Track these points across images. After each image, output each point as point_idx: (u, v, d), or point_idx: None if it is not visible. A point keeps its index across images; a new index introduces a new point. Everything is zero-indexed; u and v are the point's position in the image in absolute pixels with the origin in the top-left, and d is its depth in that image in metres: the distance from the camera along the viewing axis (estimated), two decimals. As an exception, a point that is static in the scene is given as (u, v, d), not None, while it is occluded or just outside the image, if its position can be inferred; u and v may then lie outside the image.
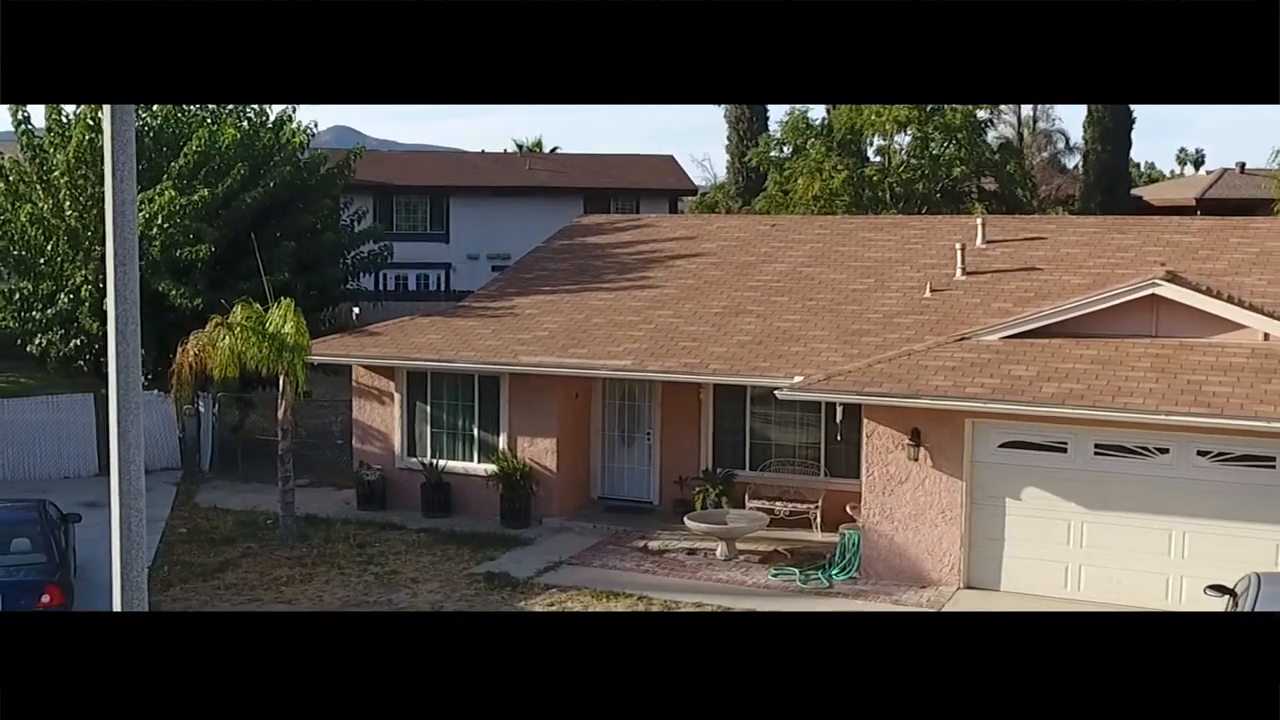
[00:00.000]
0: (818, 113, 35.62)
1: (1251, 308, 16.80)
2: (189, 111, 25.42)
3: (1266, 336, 16.11)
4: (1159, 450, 15.86)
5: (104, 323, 23.55)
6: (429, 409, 21.29)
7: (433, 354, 20.54)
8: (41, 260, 24.30)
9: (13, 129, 25.38)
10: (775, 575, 17.52)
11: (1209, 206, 50.06)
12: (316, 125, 28.05)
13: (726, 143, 45.15)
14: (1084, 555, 16.30)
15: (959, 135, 32.80)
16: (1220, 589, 13.35)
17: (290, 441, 19.68)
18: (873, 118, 33.12)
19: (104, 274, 23.53)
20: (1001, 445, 16.60)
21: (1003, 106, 43.96)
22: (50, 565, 14.80)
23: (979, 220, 22.50)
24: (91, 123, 24.07)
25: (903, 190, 33.08)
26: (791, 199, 33.32)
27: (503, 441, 20.59)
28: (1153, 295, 16.48)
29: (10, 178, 24.80)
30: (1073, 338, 16.84)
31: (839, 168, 32.84)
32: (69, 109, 25.46)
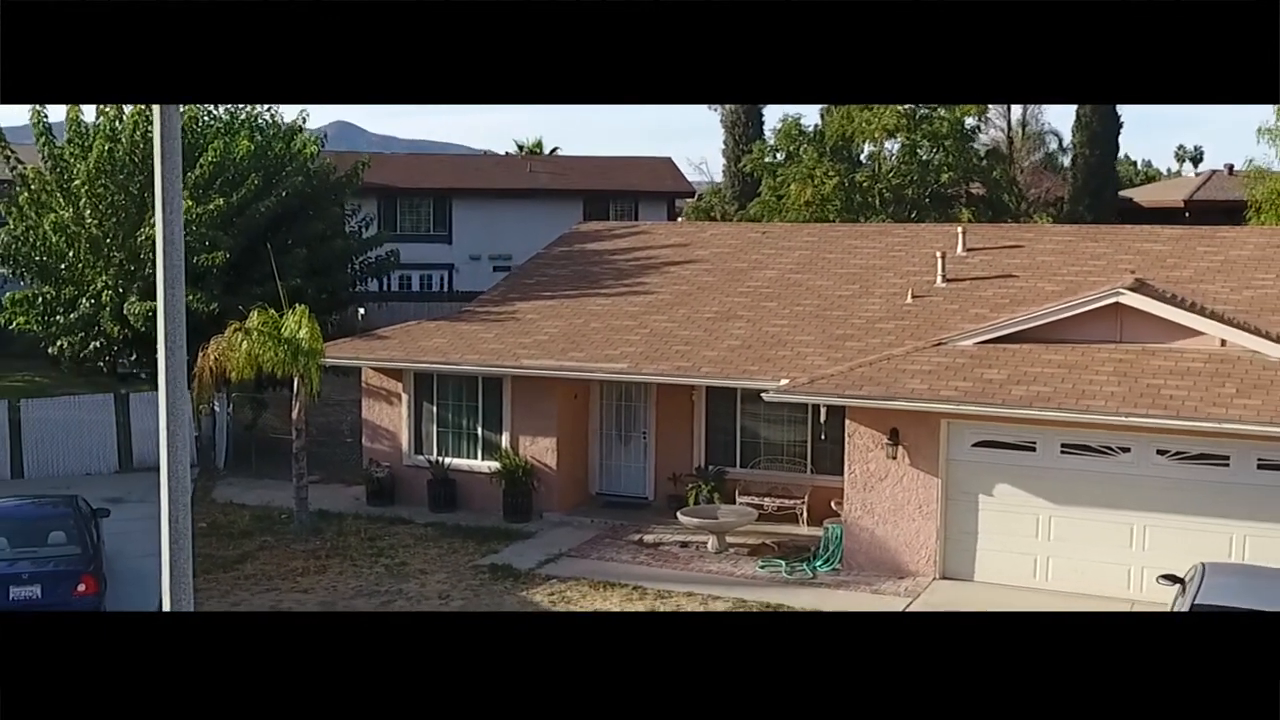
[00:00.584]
0: (811, 119, 36.75)
1: (1212, 315, 17.85)
2: (204, 123, 26.47)
3: (1223, 342, 17.12)
4: (1121, 449, 16.88)
5: (124, 326, 24.77)
6: (435, 409, 22.31)
7: (439, 357, 21.57)
8: (63, 266, 25.33)
9: (33, 139, 26.40)
10: (763, 567, 18.55)
11: (1197, 208, 50.94)
12: (306, 118, 28.94)
13: (723, 146, 46.16)
14: (1052, 547, 17.33)
15: (946, 142, 33.78)
16: (1171, 578, 14.41)
17: (304, 440, 20.72)
18: (863, 125, 34.14)
19: (123, 279, 24.77)
20: (975, 444, 17.63)
21: (992, 113, 44.98)
22: (85, 556, 15.84)
23: (960, 229, 23.53)
24: (111, 133, 25.13)
25: (892, 196, 34.08)
26: (785, 204, 34.31)
27: (505, 440, 21.59)
28: (1117, 303, 17.50)
29: (33, 186, 25.82)
30: (1043, 343, 17.85)
31: (830, 174, 33.84)
32: (89, 119, 26.50)
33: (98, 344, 25.77)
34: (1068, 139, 49.03)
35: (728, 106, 45.47)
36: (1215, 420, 15.70)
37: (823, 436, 19.90)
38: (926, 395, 17.23)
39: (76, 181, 25.02)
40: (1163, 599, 14.46)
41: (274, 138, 26.93)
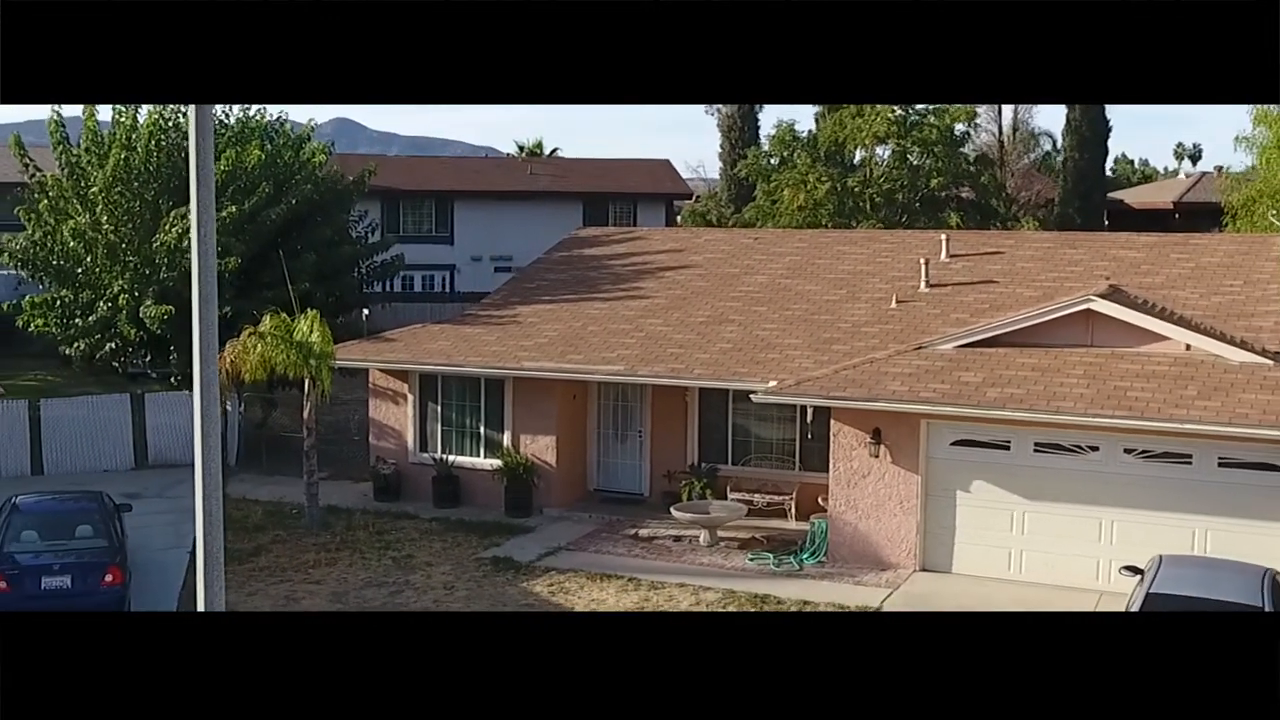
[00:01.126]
0: (805, 124, 37.60)
1: (1179, 320, 18.79)
2: (216, 133, 27.39)
3: (1188, 347, 18.04)
4: (1090, 448, 17.82)
5: (140, 328, 25.71)
6: (439, 408, 23.23)
7: (443, 359, 22.50)
8: (79, 270, 26.27)
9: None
10: (752, 559, 19.48)
11: (1186, 209, 51.82)
12: (315, 127, 29.87)
13: (719, 150, 47.04)
14: (1025, 541, 18.26)
15: (935, 149, 34.68)
16: (1132, 569, 15.39)
17: (314, 439, 21.65)
18: (854, 132, 35.08)
19: (139, 284, 25.71)
20: (953, 443, 18.55)
21: (982, 117, 45.83)
22: (111, 549, 16.78)
23: (944, 236, 24.46)
24: (127, 143, 26.06)
25: (883, 200, 34.99)
26: (778, 209, 35.22)
27: (507, 438, 22.52)
28: (1088, 310, 18.44)
29: (51, 194, 26.76)
30: (1018, 347, 18.78)
31: (823, 179, 34.75)
32: (104, 122, 27.39)
33: (113, 345, 26.69)
34: (1060, 140, 49.87)
35: (724, 111, 46.34)
36: (1177, 421, 16.64)
37: (809, 435, 20.82)
38: (907, 397, 18.15)
39: (94, 189, 25.94)
40: (1128, 589, 15.37)
41: (283, 146, 27.85)
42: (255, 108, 28.84)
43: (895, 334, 20.97)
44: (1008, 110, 48.02)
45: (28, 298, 26.89)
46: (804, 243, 26.06)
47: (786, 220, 34.38)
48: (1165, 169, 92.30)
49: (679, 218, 50.08)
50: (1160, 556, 15.04)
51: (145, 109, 26.83)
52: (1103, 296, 18.60)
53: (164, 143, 25.95)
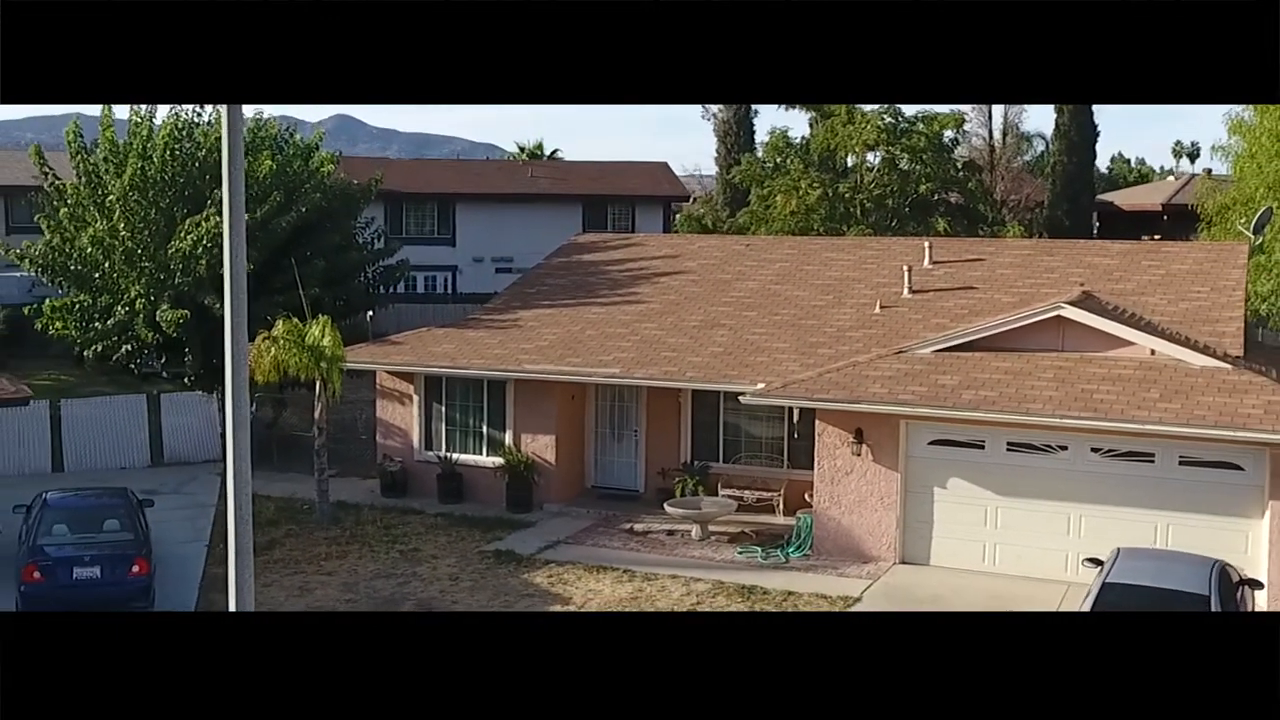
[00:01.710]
0: (798, 130, 38.60)
1: (1146, 326, 19.84)
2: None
3: (1153, 352, 19.09)
4: (1060, 447, 18.85)
5: (156, 331, 26.74)
6: (444, 409, 24.26)
7: (448, 361, 23.54)
8: (97, 276, 27.31)
9: (69, 155, 28.37)
10: (741, 553, 20.52)
11: (1175, 211, 52.74)
12: (323, 136, 30.85)
13: (715, 155, 48.04)
14: (998, 535, 19.31)
15: (924, 155, 35.71)
16: (1094, 561, 16.44)
17: (325, 438, 22.69)
18: (845, 140, 36.13)
19: (154, 289, 26.73)
20: (931, 443, 19.59)
21: (974, 122, 46.87)
22: (137, 541, 17.82)
23: (927, 243, 25.50)
24: (142, 152, 27.08)
25: (873, 205, 36.02)
26: (771, 214, 36.25)
27: (508, 437, 23.54)
28: (1058, 316, 19.47)
29: (70, 201, 27.80)
30: (993, 351, 19.81)
31: (815, 184, 35.78)
32: (121, 138, 28.41)
33: (129, 347, 27.71)
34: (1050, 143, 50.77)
35: (719, 117, 47.37)
36: (1139, 422, 17.68)
37: (796, 435, 21.87)
38: (886, 399, 19.20)
39: (111, 197, 26.96)
40: (1091, 579, 16.39)
41: (293, 156, 28.87)
42: (264, 118, 29.84)
43: (878, 338, 22.00)
44: (998, 115, 49.06)
45: (48, 301, 27.89)
46: (793, 250, 27.11)
47: (779, 225, 35.40)
48: (1161, 168, 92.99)
49: (676, 218, 51.02)
50: (1118, 549, 16.10)
51: (161, 118, 27.84)
52: (1073, 304, 19.65)
53: (178, 152, 26.95)
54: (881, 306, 23.28)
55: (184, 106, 27.61)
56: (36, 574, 16.91)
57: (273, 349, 21.65)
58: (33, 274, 28.48)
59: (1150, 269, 23.33)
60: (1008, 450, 19.16)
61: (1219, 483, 18.04)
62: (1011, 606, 17.56)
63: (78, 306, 27.42)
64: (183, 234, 26.25)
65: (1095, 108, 49.17)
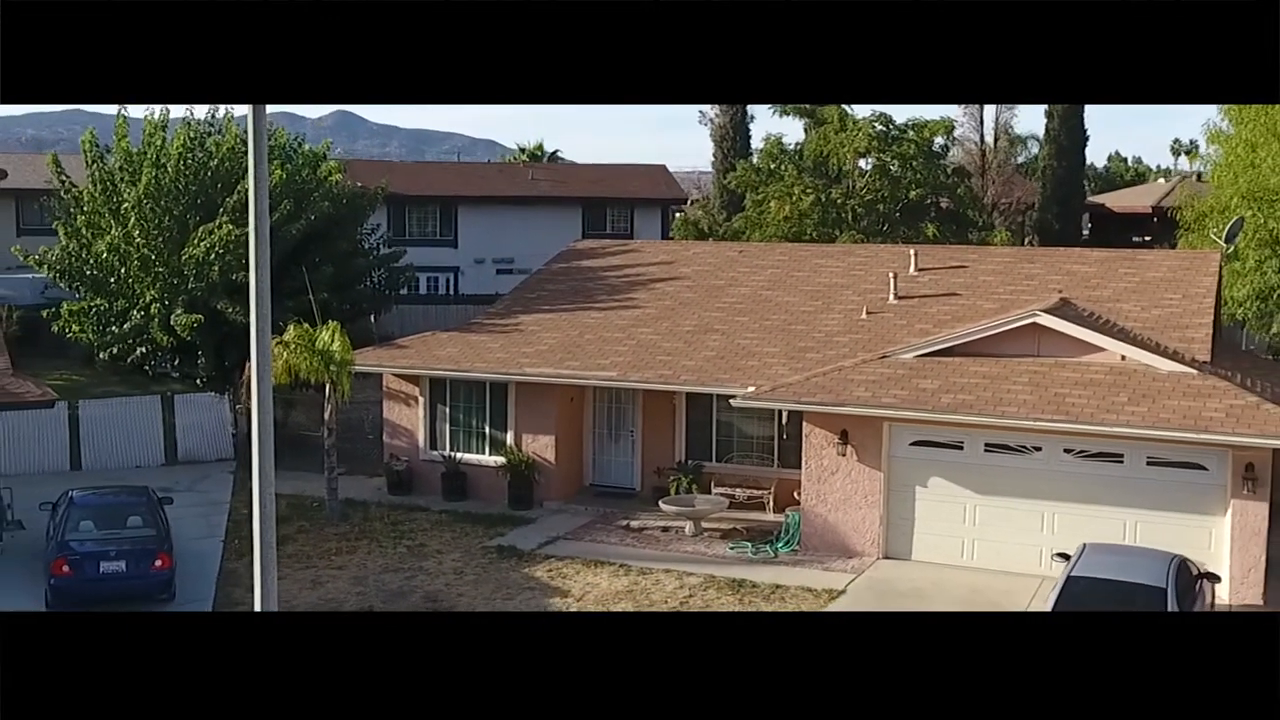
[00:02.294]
0: (793, 136, 39.53)
1: (1118, 333, 20.84)
2: (240, 153, 29.38)
3: (1123, 357, 20.07)
4: (1034, 448, 19.82)
5: (171, 335, 27.74)
6: (448, 410, 25.21)
7: (452, 365, 24.51)
8: (112, 280, 28.31)
9: (85, 165, 29.36)
10: (732, 548, 21.49)
11: (1164, 213, 53.75)
12: (331, 146, 31.85)
13: (712, 160, 49.01)
14: (976, 531, 20.28)
15: (914, 162, 36.69)
16: (1063, 556, 17.43)
17: (334, 438, 23.67)
18: (837, 147, 37.13)
19: (169, 294, 27.74)
20: (912, 444, 20.56)
21: (965, 127, 47.82)
22: (159, 537, 18.82)
23: (912, 251, 26.46)
24: (156, 162, 28.08)
25: (865, 211, 37.00)
26: (766, 219, 37.23)
27: (510, 437, 24.49)
28: (1034, 324, 20.45)
29: (86, 209, 28.80)
30: (972, 356, 20.78)
31: (807, 190, 36.74)
32: (135, 146, 29.42)
33: (144, 350, 28.71)
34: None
35: (716, 122, 48.32)
36: (1108, 425, 18.66)
37: (785, 436, 22.85)
38: (870, 402, 20.17)
39: (126, 205, 27.95)
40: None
41: (302, 165, 29.87)
42: (273, 127, 30.84)
43: (864, 343, 22.96)
44: (990, 118, 50.02)
45: (65, 305, 28.88)
46: (784, 256, 28.08)
47: (773, 230, 36.36)
48: (1159, 166, 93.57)
49: (674, 218, 51.89)
50: (1084, 545, 17.10)
51: (174, 128, 28.83)
52: (1048, 311, 20.64)
53: (191, 162, 27.94)
54: (868, 312, 24.24)
55: (196, 116, 28.61)
56: (66, 568, 17.90)
57: (285, 353, 22.60)
58: (50, 278, 29.45)
59: (1126, 276, 24.28)
60: (985, 451, 20.12)
61: (1184, 482, 19.01)
62: (989, 600, 18.58)
63: (94, 311, 28.40)
64: (196, 241, 27.24)
65: (1087, 111, 50.21)
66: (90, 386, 33.42)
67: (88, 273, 28.33)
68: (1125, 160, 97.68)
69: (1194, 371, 19.60)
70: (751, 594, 19.21)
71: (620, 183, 53.56)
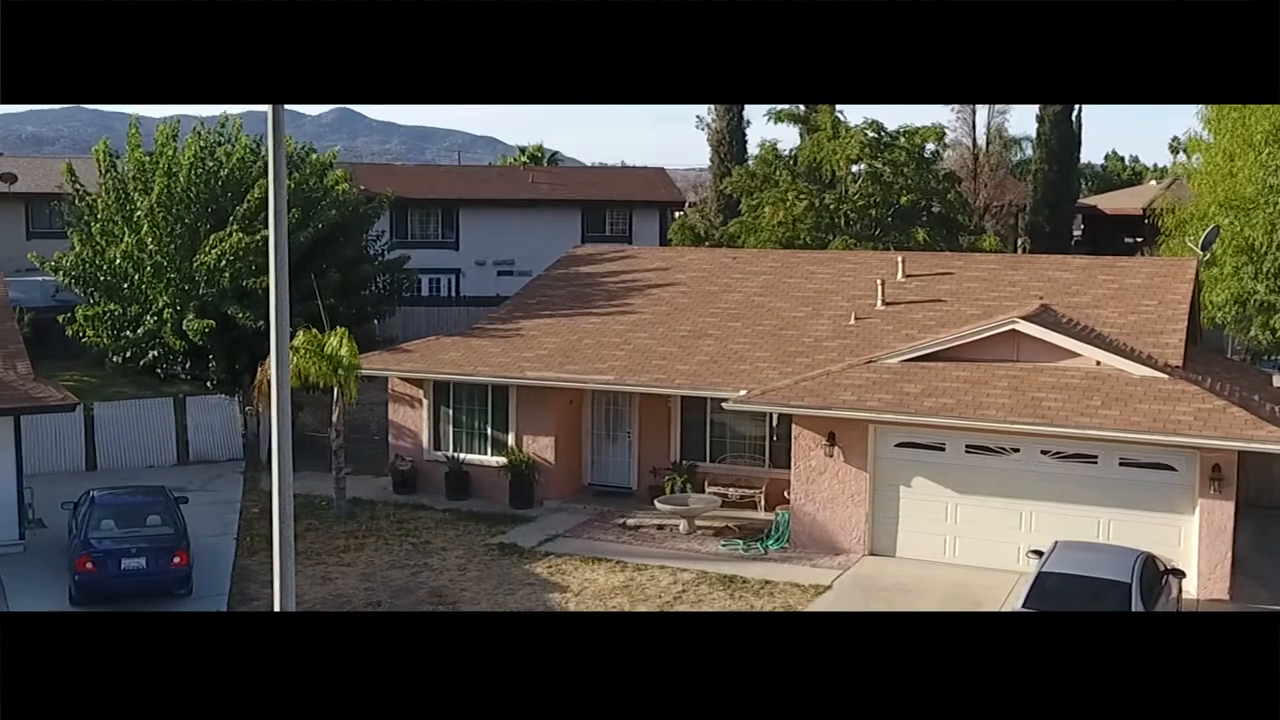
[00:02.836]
0: (788, 142, 40.25)
1: (1094, 339, 21.73)
2: (248, 162, 30.29)
3: (1098, 363, 20.94)
4: (1013, 450, 20.70)
5: (184, 339, 28.64)
6: (451, 412, 26.09)
7: (455, 368, 25.39)
8: (126, 286, 29.21)
9: (98, 174, 30.25)
10: (724, 545, 22.38)
11: (1156, 216, 54.51)
12: (337, 154, 32.64)
13: (709, 164, 49.87)
14: (957, 529, 21.16)
15: (906, 168, 37.54)
16: (1037, 552, 18.31)
17: (342, 440, 24.56)
18: (829, 154, 38.03)
19: (180, 299, 28.63)
20: (897, 445, 21.44)
21: (959, 131, 48.62)
22: (177, 535, 19.71)
23: (900, 258, 27.34)
24: (168, 171, 28.95)
25: (857, 216, 37.85)
26: (760, 224, 38.09)
27: (511, 438, 25.35)
28: (1013, 330, 21.34)
29: (100, 216, 29.70)
30: (954, 361, 21.66)
31: (801, 196, 37.60)
32: (146, 133, 30.23)
33: (156, 353, 29.60)
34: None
35: (713, 127, 49.15)
36: (1082, 427, 19.55)
37: (775, 437, 23.74)
38: (856, 405, 21.05)
39: (139, 213, 28.85)
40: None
41: (309, 174, 30.75)
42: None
43: (852, 348, 23.82)
44: (982, 122, 50.75)
45: (79, 309, 29.77)
46: (777, 262, 28.96)
47: (768, 234, 37.22)
48: (1155, 164, 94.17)
49: (672, 220, 52.69)
50: (1056, 542, 18.01)
51: (185, 138, 29.71)
52: (1027, 318, 21.53)
53: (202, 171, 28.83)
54: (856, 318, 25.10)
55: (206, 125, 29.48)
56: (89, 565, 18.80)
57: (294, 358, 23.47)
58: (64, 283, 30.34)
59: (1105, 283, 25.14)
60: (966, 452, 21.00)
61: (1155, 482, 19.90)
62: (969, 595, 19.47)
63: (108, 315, 29.29)
64: (207, 248, 28.12)
65: (1084, 111, 51.02)
66: (101, 388, 34.21)
67: (102, 278, 29.22)
68: (1123, 160, 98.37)
69: (1165, 376, 20.48)
70: (742, 589, 20.09)
71: (619, 186, 54.40)
